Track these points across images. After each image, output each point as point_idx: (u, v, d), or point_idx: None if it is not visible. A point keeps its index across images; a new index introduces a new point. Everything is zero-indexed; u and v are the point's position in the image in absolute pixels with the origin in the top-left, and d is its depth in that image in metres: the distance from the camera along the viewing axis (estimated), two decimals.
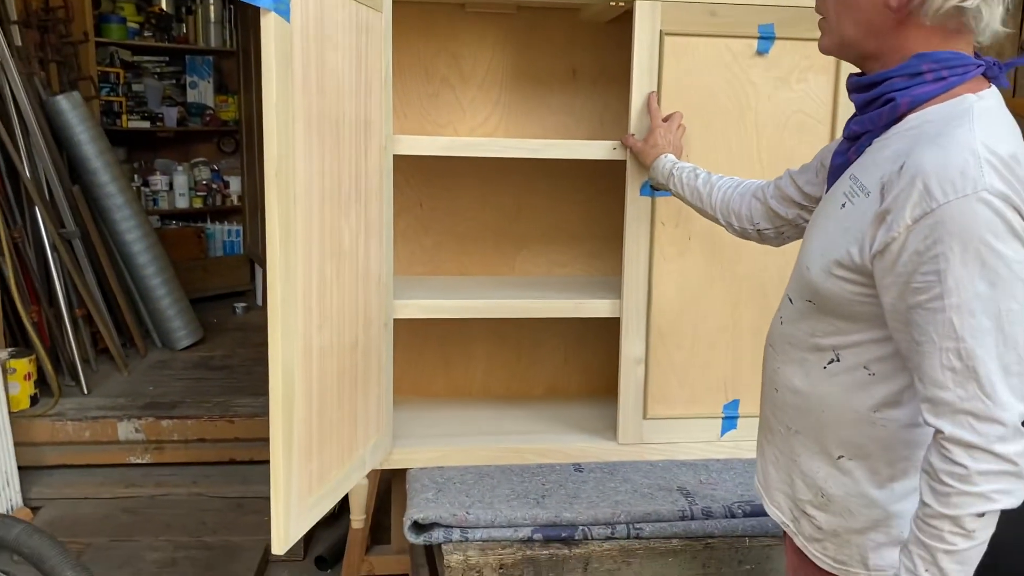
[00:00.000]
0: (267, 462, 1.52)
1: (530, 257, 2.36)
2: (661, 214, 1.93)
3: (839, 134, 1.94)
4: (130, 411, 3.40)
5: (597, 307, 2.00)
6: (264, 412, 3.37)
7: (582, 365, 2.42)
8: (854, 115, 1.18)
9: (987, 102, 1.04)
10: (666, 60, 1.88)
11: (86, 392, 3.60)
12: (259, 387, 3.70)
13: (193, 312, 4.47)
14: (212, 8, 5.20)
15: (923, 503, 1.00)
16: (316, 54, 1.48)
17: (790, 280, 1.26)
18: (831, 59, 1.92)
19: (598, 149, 1.94)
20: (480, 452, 1.97)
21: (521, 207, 2.33)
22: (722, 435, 2.04)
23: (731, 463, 1.99)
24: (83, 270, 3.91)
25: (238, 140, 5.52)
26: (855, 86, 1.15)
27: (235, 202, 5.52)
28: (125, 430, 3.33)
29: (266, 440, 3.47)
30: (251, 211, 5.35)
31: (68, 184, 3.93)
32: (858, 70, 1.17)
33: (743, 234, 1.56)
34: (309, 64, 1.46)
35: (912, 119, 1.07)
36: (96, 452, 3.32)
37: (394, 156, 1.86)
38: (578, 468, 1.96)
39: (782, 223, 1.47)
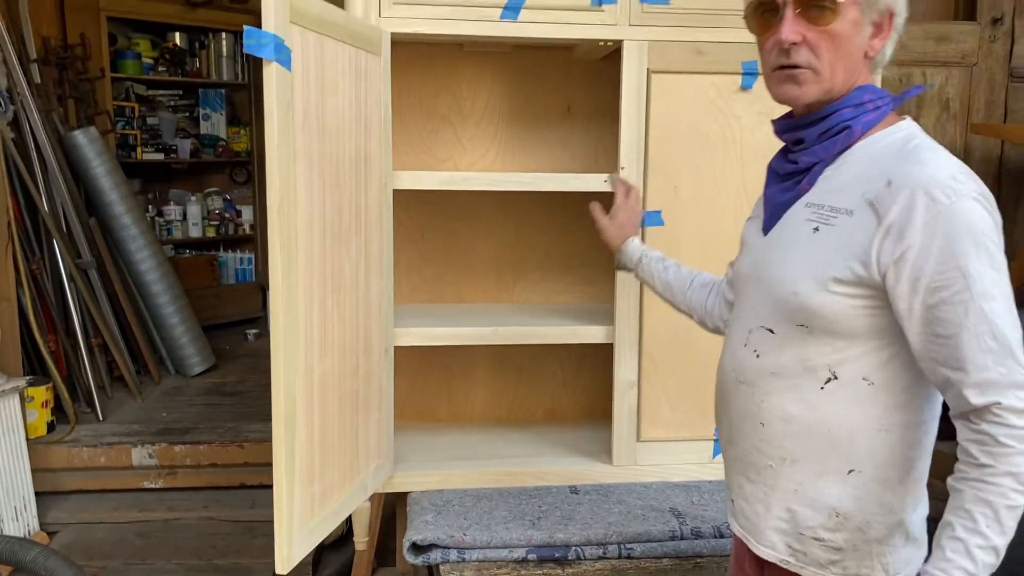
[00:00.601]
0: None
1: (528, 286, 2.44)
2: (651, 243, 2.00)
3: None
4: (144, 437, 3.48)
5: (591, 333, 2.07)
6: None
7: (580, 389, 2.48)
8: (789, 152, 1.25)
9: (916, 127, 1.19)
10: (654, 96, 1.96)
11: (101, 419, 3.69)
12: (269, 413, 3.70)
13: (206, 339, 4.56)
14: (224, 43, 5.35)
15: (980, 465, 1.04)
16: (316, 98, 1.57)
17: (756, 313, 1.25)
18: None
19: (590, 182, 2.03)
20: (479, 475, 2.04)
21: (519, 237, 2.41)
22: (714, 456, 2.09)
23: (723, 484, 2.03)
24: (99, 299, 4.01)
25: (250, 170, 5.64)
26: (800, 124, 1.22)
27: (247, 230, 5.64)
28: (139, 455, 3.41)
29: None
30: (263, 239, 5.46)
31: (85, 216, 4.05)
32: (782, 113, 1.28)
33: (716, 331, 1.56)
34: (309, 108, 1.55)
35: (860, 146, 1.18)
36: (111, 477, 3.40)
37: (395, 190, 1.95)
38: (574, 490, 2.03)
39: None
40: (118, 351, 4.03)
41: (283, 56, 1.42)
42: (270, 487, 1.55)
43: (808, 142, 1.20)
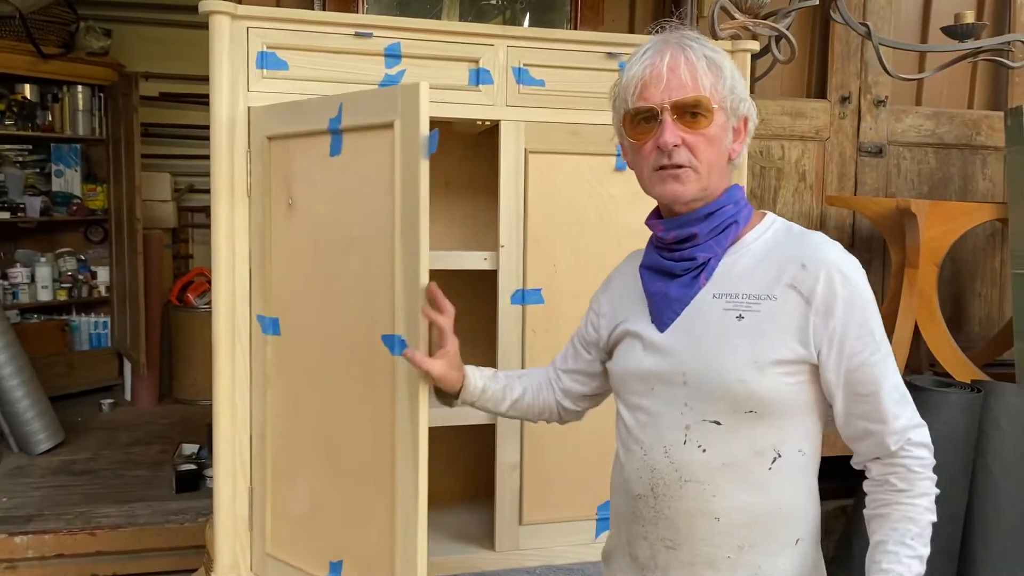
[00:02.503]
0: None
1: None
2: (531, 322, 1.99)
3: None
4: None
5: (472, 413, 2.02)
6: (128, 523, 3.20)
7: (463, 469, 2.42)
8: (670, 250, 1.28)
9: (777, 216, 1.32)
10: (531, 175, 1.97)
11: None
12: (124, 494, 3.52)
13: (54, 412, 4.22)
14: (80, 96, 5.07)
15: (899, 491, 1.19)
16: None
17: (691, 409, 1.23)
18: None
19: (469, 260, 2.01)
20: None
21: None
22: (596, 536, 2.07)
23: None
24: None
25: (107, 229, 5.34)
26: (690, 220, 1.25)
27: (103, 293, 5.31)
28: None
29: (131, 552, 3.27)
30: (119, 302, 5.15)
31: None
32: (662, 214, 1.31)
33: (562, 423, 1.58)
34: None
35: (749, 238, 1.27)
36: None
37: None
38: None
39: (583, 403, 1.53)
40: None
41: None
42: None
43: (701, 237, 1.25)
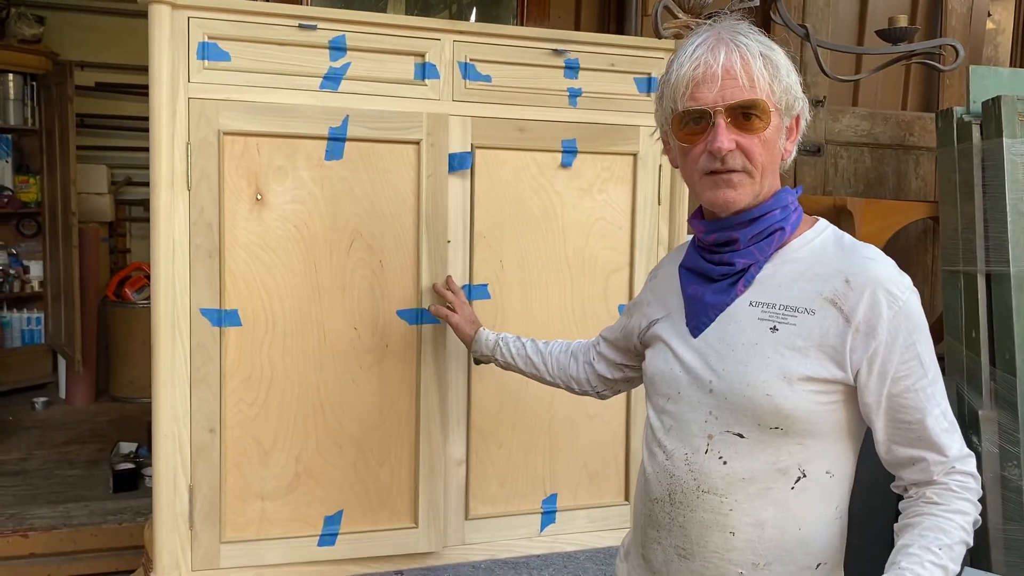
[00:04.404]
0: None
1: None
2: (479, 317, 1.99)
3: (639, 238, 2.08)
4: None
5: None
6: (64, 524, 3.11)
7: None
8: (711, 252, 1.24)
9: (829, 223, 1.25)
10: (478, 171, 1.97)
11: None
12: (58, 494, 3.42)
13: None
14: (12, 85, 4.91)
15: (934, 503, 1.13)
16: None
17: (715, 418, 1.20)
18: (628, 171, 2.07)
19: None
20: (298, 567, 1.91)
21: None
22: (542, 530, 2.09)
23: (550, 559, 2.04)
24: None
25: (40, 222, 5.18)
26: (732, 224, 1.20)
27: (36, 288, 5.15)
28: None
29: (66, 554, 3.20)
30: (53, 298, 5.00)
31: None
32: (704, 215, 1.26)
33: (583, 394, 1.63)
34: None
35: (795, 245, 1.21)
36: None
37: None
38: (400, 574, 1.95)
39: (613, 383, 1.57)
40: None
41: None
42: None
43: (742, 243, 1.20)
